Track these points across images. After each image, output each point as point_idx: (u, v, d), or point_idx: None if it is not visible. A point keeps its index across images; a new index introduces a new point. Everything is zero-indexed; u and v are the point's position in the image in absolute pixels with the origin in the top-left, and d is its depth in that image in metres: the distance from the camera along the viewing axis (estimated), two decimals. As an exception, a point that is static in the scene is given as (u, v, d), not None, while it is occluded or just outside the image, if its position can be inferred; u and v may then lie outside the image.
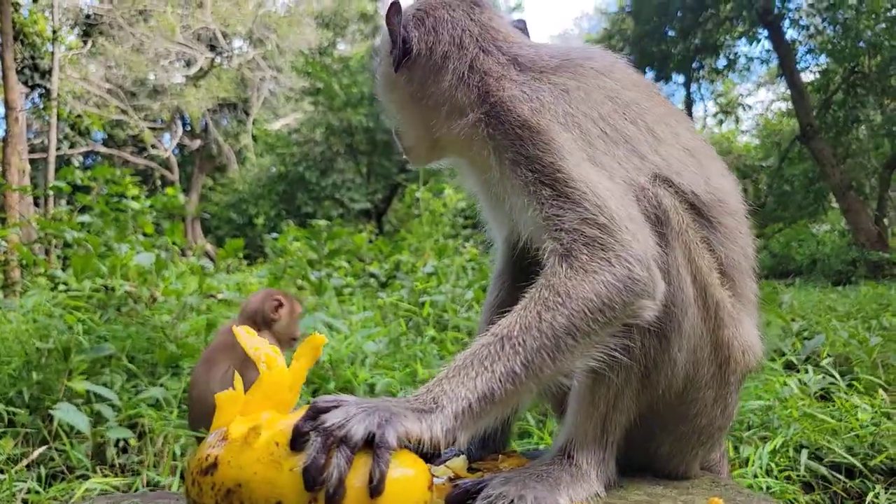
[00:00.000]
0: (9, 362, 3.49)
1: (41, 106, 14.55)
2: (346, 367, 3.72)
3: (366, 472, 0.89)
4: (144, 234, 6.09)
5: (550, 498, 1.13)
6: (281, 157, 23.22)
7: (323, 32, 22.28)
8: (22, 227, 6.91)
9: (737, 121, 21.65)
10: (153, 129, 20.92)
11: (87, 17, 18.27)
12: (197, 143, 21.88)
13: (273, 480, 0.88)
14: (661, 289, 1.15)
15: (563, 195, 1.14)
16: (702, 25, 17.02)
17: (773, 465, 2.50)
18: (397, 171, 20.91)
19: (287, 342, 3.07)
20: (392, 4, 1.36)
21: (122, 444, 3.07)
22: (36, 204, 11.05)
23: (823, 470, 2.51)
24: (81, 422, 2.77)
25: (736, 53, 17.95)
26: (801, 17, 15.57)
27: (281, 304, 3.06)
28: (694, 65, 18.57)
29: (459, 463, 1.35)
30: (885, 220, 16.11)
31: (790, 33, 15.60)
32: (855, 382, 3.41)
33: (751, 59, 17.80)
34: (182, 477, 2.74)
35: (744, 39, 16.94)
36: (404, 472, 0.93)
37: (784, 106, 21.79)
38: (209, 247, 14.92)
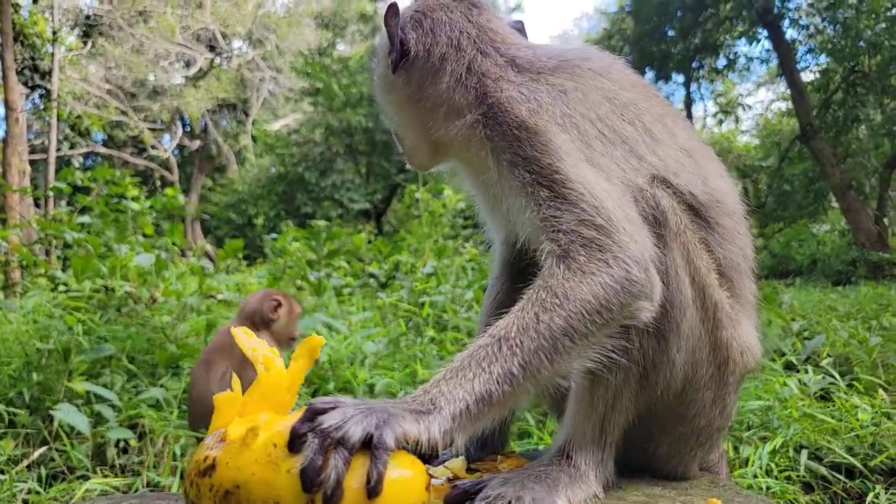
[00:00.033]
0: (9, 363, 3.50)
1: (41, 107, 14.56)
2: (345, 367, 3.72)
3: (363, 473, 0.89)
4: (144, 235, 6.10)
5: (549, 499, 1.13)
6: (280, 157, 23.23)
7: (322, 33, 22.28)
8: (22, 228, 6.92)
9: (737, 121, 21.66)
10: (153, 129, 20.93)
11: (87, 17, 18.28)
12: (196, 143, 21.89)
13: (271, 482, 0.88)
14: (659, 290, 1.15)
15: (560, 196, 1.14)
16: (701, 25, 17.02)
17: (773, 465, 2.50)
18: (396, 171, 20.92)
19: (286, 342, 3.07)
20: (390, 6, 1.36)
21: (122, 444, 3.07)
22: (36, 205, 11.06)
23: (823, 470, 2.51)
24: (82, 422, 2.77)
25: (736, 53, 17.96)
26: (800, 17, 15.56)
27: (279, 304, 3.07)
28: (694, 64, 18.56)
29: (458, 464, 1.35)
30: (886, 220, 16.11)
31: (790, 33, 15.62)
32: (855, 382, 3.41)
33: (751, 59, 17.82)
34: (182, 477, 2.74)
35: (744, 39, 16.94)
36: (402, 473, 0.93)
37: (784, 105, 21.82)
38: (209, 247, 14.92)
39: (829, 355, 3.94)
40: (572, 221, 1.12)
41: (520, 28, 1.54)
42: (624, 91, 1.34)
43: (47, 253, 6.88)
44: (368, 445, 0.91)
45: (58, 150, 13.62)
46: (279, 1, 22.21)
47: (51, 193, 9.01)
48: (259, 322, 3.02)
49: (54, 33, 12.83)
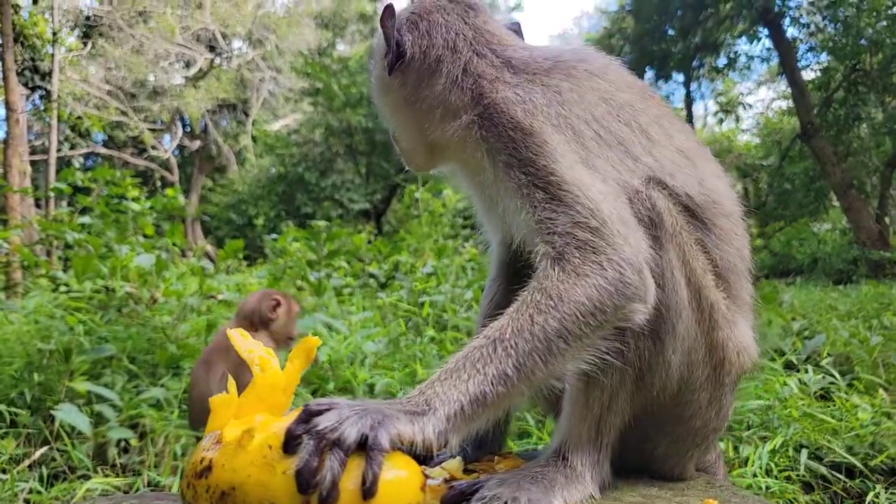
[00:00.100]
0: (10, 363, 3.51)
1: (42, 108, 14.57)
2: (345, 367, 3.72)
3: (359, 474, 0.89)
4: (145, 236, 6.10)
5: (545, 499, 1.13)
6: (280, 157, 23.22)
7: (322, 33, 22.27)
8: (23, 229, 6.92)
9: (737, 119, 21.60)
10: (153, 130, 20.94)
11: (87, 18, 18.29)
12: (196, 144, 21.90)
13: (266, 483, 0.88)
14: (653, 292, 1.15)
15: (555, 198, 1.14)
16: (702, 24, 17.01)
17: (772, 464, 2.50)
18: (396, 171, 20.88)
19: (284, 342, 3.07)
20: (386, 8, 1.37)
21: (123, 444, 3.08)
22: (37, 205, 11.08)
23: (823, 470, 2.51)
24: (83, 422, 2.78)
25: (736, 52, 17.93)
26: (801, 15, 15.53)
27: (278, 304, 3.07)
28: (694, 63, 18.55)
29: (455, 464, 1.35)
30: (887, 219, 16.07)
31: (791, 31, 15.59)
32: (855, 382, 3.41)
33: (751, 58, 17.77)
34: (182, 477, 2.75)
35: (744, 38, 16.92)
36: (397, 473, 0.93)
37: (785, 104, 21.77)
38: (209, 248, 14.93)
39: (829, 355, 3.94)
40: (567, 224, 1.12)
41: (516, 29, 1.54)
42: (620, 92, 1.34)
43: (48, 253, 6.90)
44: (364, 447, 0.91)
45: (58, 150, 13.64)
46: (279, 1, 22.25)
47: (51, 194, 9.03)
48: (258, 322, 3.03)
49: (54, 34, 12.84)
